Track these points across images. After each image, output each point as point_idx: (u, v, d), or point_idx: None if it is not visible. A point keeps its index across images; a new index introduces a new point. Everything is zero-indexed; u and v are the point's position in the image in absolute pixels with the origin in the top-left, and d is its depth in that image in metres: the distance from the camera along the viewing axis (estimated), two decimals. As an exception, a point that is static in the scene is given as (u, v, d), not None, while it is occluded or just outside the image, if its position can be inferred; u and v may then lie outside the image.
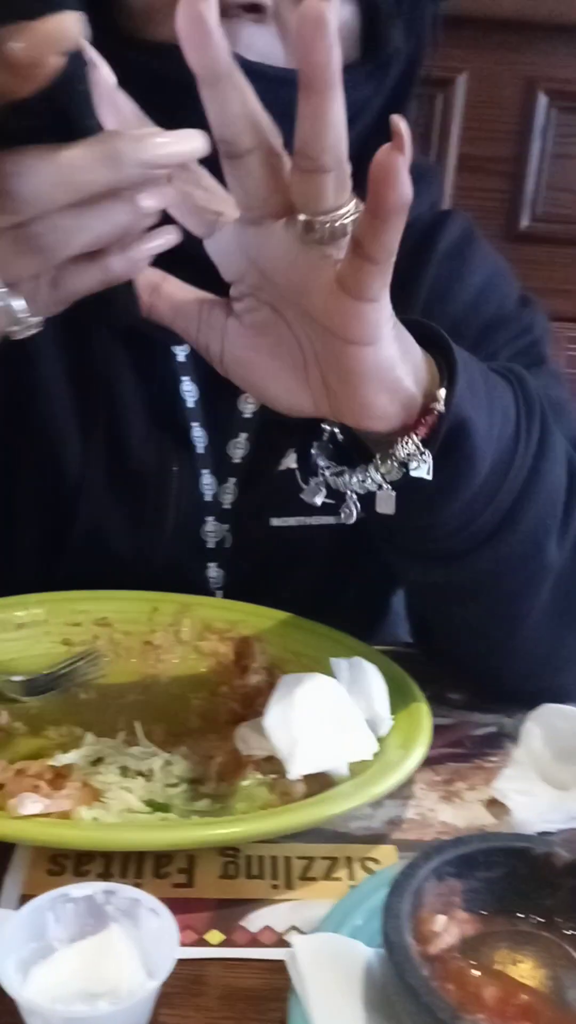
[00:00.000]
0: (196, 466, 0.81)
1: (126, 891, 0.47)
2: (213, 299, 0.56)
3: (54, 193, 0.44)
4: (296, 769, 0.54)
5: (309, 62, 0.44)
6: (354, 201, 0.48)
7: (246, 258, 0.52)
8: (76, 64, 0.42)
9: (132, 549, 0.81)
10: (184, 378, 0.80)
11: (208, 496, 0.81)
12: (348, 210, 0.48)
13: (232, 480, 0.82)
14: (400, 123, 0.44)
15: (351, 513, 0.60)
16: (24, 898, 0.52)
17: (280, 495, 0.82)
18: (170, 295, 0.56)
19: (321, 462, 0.62)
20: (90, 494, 0.79)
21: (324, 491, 0.63)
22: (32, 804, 0.52)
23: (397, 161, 0.45)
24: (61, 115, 0.43)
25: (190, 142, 0.47)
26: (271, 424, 0.81)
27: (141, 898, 0.47)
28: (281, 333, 0.54)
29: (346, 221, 0.48)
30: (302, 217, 0.48)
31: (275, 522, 0.82)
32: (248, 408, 0.81)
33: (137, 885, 0.53)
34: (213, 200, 0.53)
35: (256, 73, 0.67)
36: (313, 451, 0.63)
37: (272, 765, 0.58)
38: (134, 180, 0.46)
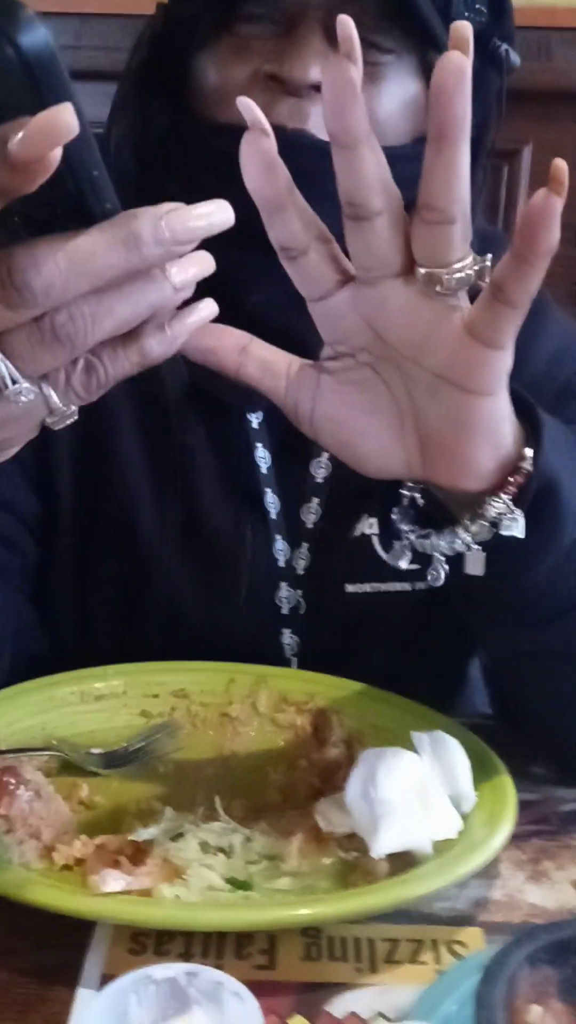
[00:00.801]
0: (270, 532, 0.81)
1: (210, 973, 0.46)
2: (303, 361, 0.57)
3: (71, 282, 0.42)
4: (380, 848, 0.53)
5: (446, 114, 0.45)
6: (472, 252, 0.49)
7: (359, 319, 0.53)
8: (84, 151, 0.41)
9: (207, 616, 0.81)
10: (257, 444, 0.81)
11: (281, 562, 0.81)
12: (471, 260, 0.49)
13: (305, 545, 0.82)
14: (560, 166, 0.45)
15: (439, 575, 0.60)
16: (105, 977, 0.51)
17: (354, 561, 0.82)
18: (259, 356, 0.56)
19: (404, 526, 0.62)
20: (165, 562, 0.79)
21: (409, 555, 0.62)
22: (114, 881, 0.51)
23: (554, 205, 0.45)
24: (75, 203, 0.42)
25: (214, 215, 0.46)
26: (343, 489, 0.82)
27: (225, 981, 0.46)
28: (379, 391, 0.55)
29: (471, 271, 0.49)
30: (423, 271, 0.49)
31: (350, 588, 0.82)
32: (320, 473, 0.82)
33: (218, 965, 0.52)
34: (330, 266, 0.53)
35: (327, 152, 0.68)
36: (394, 516, 0.62)
37: (354, 842, 0.57)
38: (156, 260, 0.44)
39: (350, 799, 0.56)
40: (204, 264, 0.47)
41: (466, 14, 0.72)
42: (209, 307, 0.50)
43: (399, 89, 0.72)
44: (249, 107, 0.49)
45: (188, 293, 0.47)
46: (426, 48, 0.72)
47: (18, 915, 0.52)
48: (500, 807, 0.60)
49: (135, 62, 0.78)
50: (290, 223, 0.49)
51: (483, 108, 0.77)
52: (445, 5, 0.70)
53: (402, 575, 0.83)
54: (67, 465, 0.78)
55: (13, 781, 0.60)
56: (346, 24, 0.47)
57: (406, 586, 0.84)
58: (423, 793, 0.57)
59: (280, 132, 0.69)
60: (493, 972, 0.44)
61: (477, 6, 0.73)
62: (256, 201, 0.49)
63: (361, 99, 0.46)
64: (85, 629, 0.81)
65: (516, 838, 0.61)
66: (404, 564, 0.62)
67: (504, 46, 0.75)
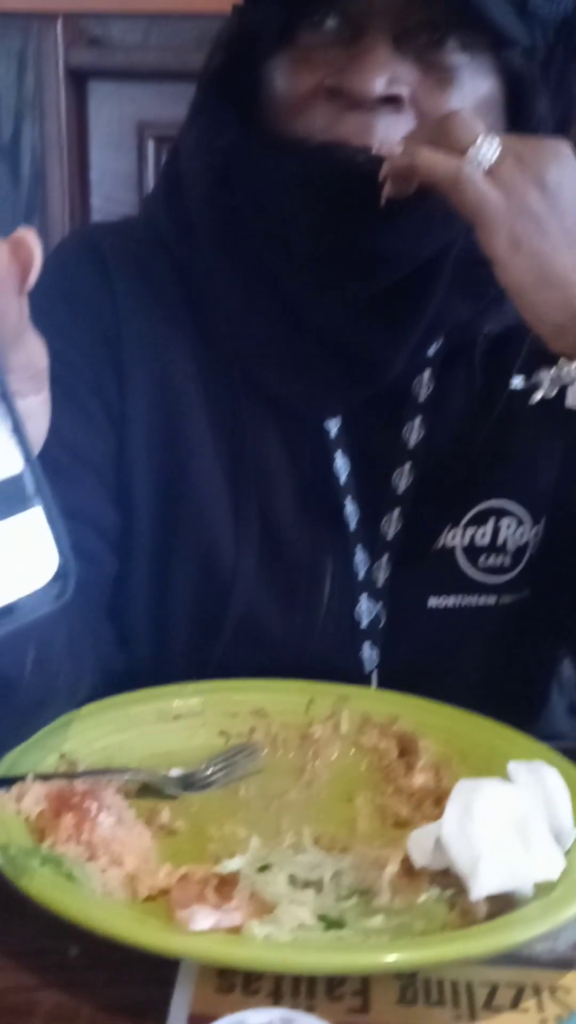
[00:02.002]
0: (349, 543, 0.79)
1: (305, 1020, 0.44)
2: None
3: None
4: (480, 890, 0.51)
5: None
6: None
7: None
8: None
9: (285, 630, 0.79)
10: (336, 453, 0.78)
11: (361, 574, 0.79)
12: None
13: (386, 557, 0.79)
14: None
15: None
16: (193, 1018, 0.49)
17: (437, 573, 0.80)
18: None
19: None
20: (243, 576, 0.78)
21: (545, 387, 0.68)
22: (203, 919, 0.49)
23: None
24: None
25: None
26: (426, 500, 0.79)
27: (321, 1030, 0.43)
28: None
29: None
30: None
31: (432, 602, 0.80)
32: (402, 483, 0.79)
33: (309, 1006, 0.50)
34: None
35: None
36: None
37: (449, 879, 0.54)
38: None
39: (446, 835, 0.53)
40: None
41: (545, 7, 0.69)
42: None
43: (472, 90, 0.70)
44: None
45: None
46: (500, 46, 0.69)
47: (103, 947, 0.51)
48: (603, 843, 0.57)
49: (211, 66, 0.76)
50: None
51: (566, 101, 0.74)
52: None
53: (487, 588, 0.81)
54: (145, 478, 0.77)
55: (94, 806, 0.58)
56: None
57: (491, 599, 0.81)
58: (523, 829, 0.54)
59: (345, 149, 0.68)
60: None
61: None
62: None
63: None
64: (162, 645, 0.80)
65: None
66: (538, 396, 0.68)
67: None
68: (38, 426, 0.47)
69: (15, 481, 0.35)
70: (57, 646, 0.64)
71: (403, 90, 0.67)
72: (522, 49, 0.69)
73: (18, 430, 0.37)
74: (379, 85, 0.66)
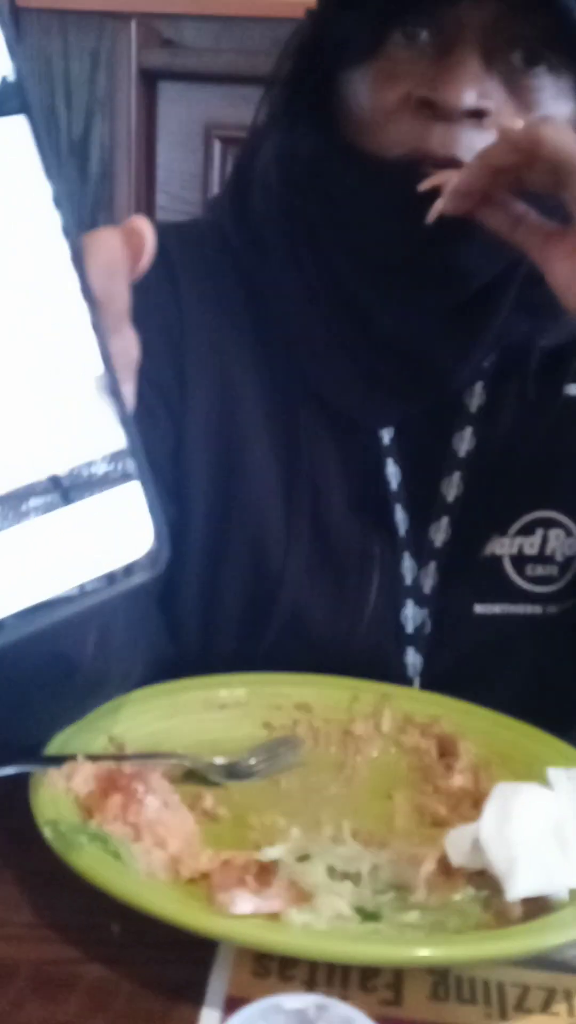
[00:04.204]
0: (397, 549, 0.80)
1: (340, 1008, 0.45)
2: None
3: None
4: (515, 892, 0.52)
5: None
6: None
7: None
8: None
9: (331, 631, 0.80)
10: (388, 460, 0.79)
11: (408, 580, 0.80)
12: None
13: (433, 564, 0.80)
14: None
15: None
16: (230, 999, 0.51)
17: (484, 581, 0.80)
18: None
19: None
20: (292, 575, 0.79)
21: None
22: (243, 903, 0.51)
23: None
24: None
25: None
26: (474, 509, 0.80)
27: (355, 1017, 0.44)
28: None
29: None
30: None
31: (478, 609, 0.80)
32: (451, 492, 0.80)
33: (343, 995, 0.51)
34: None
35: None
36: None
37: (485, 879, 0.55)
38: None
39: (484, 836, 0.54)
40: None
41: None
42: None
43: (555, 110, 0.70)
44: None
45: None
46: None
47: (144, 925, 0.52)
48: None
49: (283, 74, 0.76)
50: None
51: None
52: None
53: (534, 598, 0.81)
54: (201, 474, 0.78)
55: (141, 788, 0.60)
56: None
57: (537, 609, 0.81)
58: (561, 834, 0.55)
59: (430, 161, 0.68)
60: None
61: None
62: None
63: None
64: (210, 638, 0.81)
65: None
66: None
67: None
68: None
69: (120, 456, 0.37)
70: (117, 631, 0.65)
71: (491, 105, 0.67)
72: None
73: (121, 409, 0.38)
74: (470, 98, 0.66)
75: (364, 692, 0.75)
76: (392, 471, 0.79)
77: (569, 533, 0.80)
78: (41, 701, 0.63)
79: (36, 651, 0.57)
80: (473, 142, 0.67)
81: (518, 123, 0.64)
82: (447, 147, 0.67)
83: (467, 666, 0.81)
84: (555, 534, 0.80)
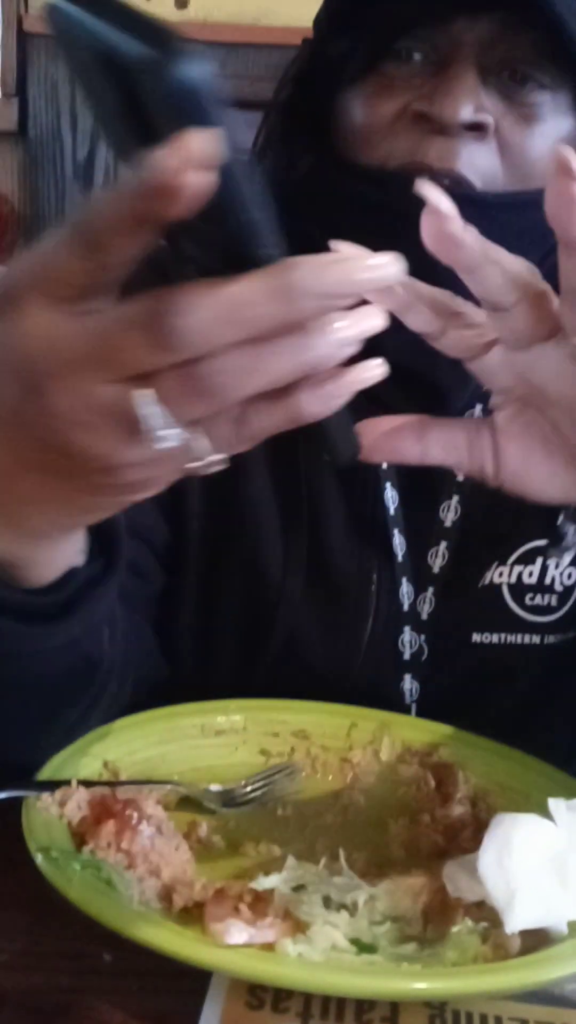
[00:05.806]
0: (395, 574, 0.79)
1: (334, 1042, 0.44)
2: (477, 421, 0.55)
3: (218, 331, 0.38)
4: (515, 924, 0.51)
5: (569, 234, 0.44)
6: None
7: (513, 375, 0.51)
8: (241, 188, 0.38)
9: (328, 656, 0.80)
10: (387, 484, 0.79)
11: (406, 605, 0.80)
12: None
13: (431, 590, 0.80)
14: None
15: None
16: (222, 1032, 0.50)
17: (482, 609, 0.80)
18: (439, 438, 0.53)
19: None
20: (288, 599, 0.79)
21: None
22: (238, 933, 0.50)
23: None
24: (234, 244, 0.39)
25: (384, 269, 0.41)
26: (473, 536, 0.80)
27: (350, 1053, 0.44)
28: (547, 431, 0.53)
29: None
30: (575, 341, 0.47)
31: (476, 637, 0.80)
32: (449, 517, 0.80)
33: (337, 1030, 0.50)
34: (478, 333, 0.51)
35: (479, 202, 0.67)
36: (560, 522, 0.73)
37: (483, 911, 0.54)
38: (314, 313, 0.40)
39: (483, 867, 0.53)
40: (373, 320, 0.43)
41: None
42: (378, 368, 0.45)
43: (554, 128, 0.70)
44: (428, 189, 0.46)
45: (353, 350, 0.42)
46: None
47: (134, 955, 0.51)
48: None
49: (281, 98, 0.77)
50: (489, 281, 0.47)
51: None
52: None
53: (533, 627, 0.81)
54: (198, 495, 0.78)
55: (135, 815, 0.59)
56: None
57: (535, 639, 0.81)
58: (561, 867, 0.54)
59: (428, 173, 0.68)
60: None
61: None
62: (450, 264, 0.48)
63: (469, 234, 0.45)
64: (206, 660, 0.81)
65: None
66: (567, 558, 0.75)
67: None
68: None
69: None
70: (120, 626, 0.65)
71: (488, 119, 0.68)
72: None
73: None
74: (467, 112, 0.67)
75: (363, 720, 0.74)
76: (390, 495, 0.79)
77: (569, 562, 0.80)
78: (71, 701, 0.64)
79: (67, 656, 0.58)
80: (473, 155, 0.68)
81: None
82: (445, 160, 0.68)
83: (464, 693, 0.80)
84: (554, 563, 0.80)
